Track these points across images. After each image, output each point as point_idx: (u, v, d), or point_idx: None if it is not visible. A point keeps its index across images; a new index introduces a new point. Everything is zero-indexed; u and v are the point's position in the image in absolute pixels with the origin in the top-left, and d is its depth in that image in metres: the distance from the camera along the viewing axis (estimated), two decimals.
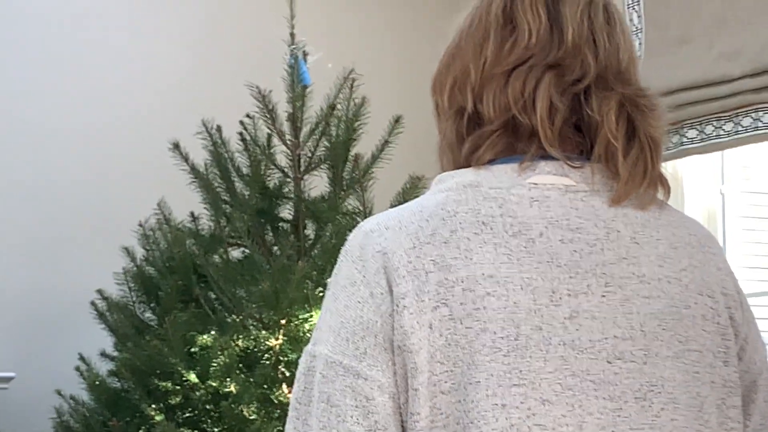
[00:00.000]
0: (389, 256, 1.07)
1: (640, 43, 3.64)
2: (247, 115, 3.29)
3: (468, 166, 1.13)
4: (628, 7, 3.70)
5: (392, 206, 3.26)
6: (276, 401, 2.99)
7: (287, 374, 3.06)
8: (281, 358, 3.03)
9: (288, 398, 3.00)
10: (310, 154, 3.33)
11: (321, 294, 3.11)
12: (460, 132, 1.16)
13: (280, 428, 2.89)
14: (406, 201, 3.27)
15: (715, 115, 3.37)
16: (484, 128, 1.13)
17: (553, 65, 1.11)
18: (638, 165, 1.10)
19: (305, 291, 3.07)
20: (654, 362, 1.06)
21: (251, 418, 2.93)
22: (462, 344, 1.04)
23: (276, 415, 2.97)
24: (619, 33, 1.17)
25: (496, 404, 1.02)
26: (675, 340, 1.08)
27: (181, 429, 2.99)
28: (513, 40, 1.14)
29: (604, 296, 1.08)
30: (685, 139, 3.44)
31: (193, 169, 3.29)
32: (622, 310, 1.08)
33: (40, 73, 3.93)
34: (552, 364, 1.04)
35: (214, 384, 2.99)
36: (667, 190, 1.16)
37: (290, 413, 1.11)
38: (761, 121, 3.22)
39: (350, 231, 3.18)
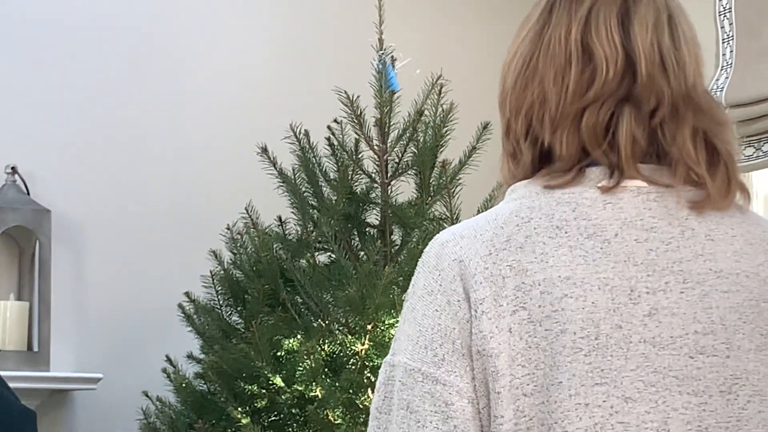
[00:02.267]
0: (465, 264, 1.09)
1: (731, 51, 3.60)
2: (335, 120, 3.29)
3: None
4: (720, 15, 3.66)
5: (479, 212, 3.22)
6: (361, 406, 2.99)
7: (373, 379, 2.99)
8: (367, 363, 3.04)
9: None
10: (397, 160, 3.31)
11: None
12: (534, 161, 1.17)
13: None
14: (493, 207, 3.25)
15: None
16: (556, 164, 1.14)
17: (628, 98, 1.12)
18: (723, 182, 1.13)
19: (391, 296, 3.09)
20: (737, 355, 1.07)
21: (336, 422, 2.97)
22: (542, 346, 1.05)
23: (361, 419, 2.99)
24: (684, 49, 1.17)
25: (579, 404, 1.03)
26: (757, 333, 1.09)
27: None
28: (591, 74, 1.14)
29: (682, 293, 1.09)
30: None
31: (281, 174, 3.29)
32: (701, 306, 1.09)
33: (131, 74, 3.97)
34: (633, 361, 1.05)
35: (299, 388, 3.02)
36: (747, 195, 1.18)
37: (371, 423, 1.13)
38: None
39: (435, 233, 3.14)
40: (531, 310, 1.06)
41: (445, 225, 3.23)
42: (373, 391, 3.00)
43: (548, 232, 1.09)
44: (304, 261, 3.25)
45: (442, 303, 1.09)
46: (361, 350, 3.03)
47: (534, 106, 1.15)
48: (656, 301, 1.09)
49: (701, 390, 1.07)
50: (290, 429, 3.11)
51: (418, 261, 2.93)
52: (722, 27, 3.63)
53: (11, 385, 2.92)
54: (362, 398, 3.01)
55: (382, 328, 3.05)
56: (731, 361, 1.08)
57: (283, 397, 3.04)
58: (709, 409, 1.06)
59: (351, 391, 3.02)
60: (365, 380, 3.04)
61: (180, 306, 3.33)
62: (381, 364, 2.97)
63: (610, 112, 1.12)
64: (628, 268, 1.09)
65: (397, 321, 2.87)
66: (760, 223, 1.19)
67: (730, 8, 3.58)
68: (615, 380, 1.06)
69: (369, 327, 3.04)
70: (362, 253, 3.27)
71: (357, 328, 3.07)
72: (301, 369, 3.03)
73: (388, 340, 3.05)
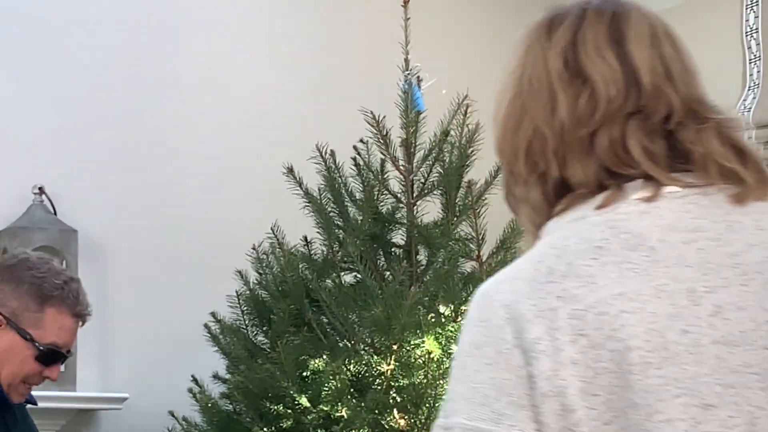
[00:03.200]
0: (512, 307, 1.06)
1: (758, 72, 3.67)
2: (361, 140, 3.29)
3: None
4: (746, 35, 3.76)
5: (505, 233, 3.25)
6: (387, 427, 3.02)
7: (398, 400, 3.07)
8: (392, 384, 3.05)
9: (399, 424, 3.06)
10: (423, 180, 3.32)
11: (433, 320, 3.13)
12: (548, 196, 1.14)
13: None
14: (519, 227, 3.15)
15: None
16: (578, 191, 1.11)
17: (634, 112, 1.09)
18: (756, 172, 1.10)
19: (417, 316, 3.08)
20: None
21: None
22: (611, 369, 1.01)
23: None
24: (687, 56, 1.16)
25: (660, 421, 0.99)
26: None
27: None
28: (590, 95, 1.11)
29: (744, 285, 1.05)
30: None
31: (307, 194, 3.31)
32: (766, 295, 1.05)
33: (158, 98, 4.06)
34: (707, 365, 1.00)
35: (325, 408, 3.03)
36: None
37: None
38: None
39: (462, 257, 3.05)
40: (590, 336, 1.02)
41: (470, 245, 3.27)
42: (399, 412, 3.05)
43: (590, 254, 1.06)
44: (329, 281, 3.27)
45: (490, 354, 1.05)
46: (387, 371, 3.02)
47: (532, 145, 1.13)
48: (718, 299, 1.04)
49: None
50: None
51: (443, 281, 2.87)
52: (749, 47, 3.74)
53: (39, 404, 2.95)
54: (388, 419, 3.03)
55: (408, 348, 3.04)
56: None
57: (308, 417, 3.05)
58: None
59: (376, 411, 3.04)
60: (391, 401, 3.08)
61: (206, 326, 3.35)
62: (407, 384, 2.94)
63: (621, 130, 1.10)
64: (682, 270, 1.05)
65: (423, 342, 3.05)
66: None
67: (757, 29, 3.74)
68: (692, 389, 1.01)
69: (394, 347, 3.03)
70: (388, 273, 3.27)
71: (382, 348, 3.08)
72: (327, 389, 3.04)
73: (414, 360, 3.08)
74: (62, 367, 3.35)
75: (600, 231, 1.06)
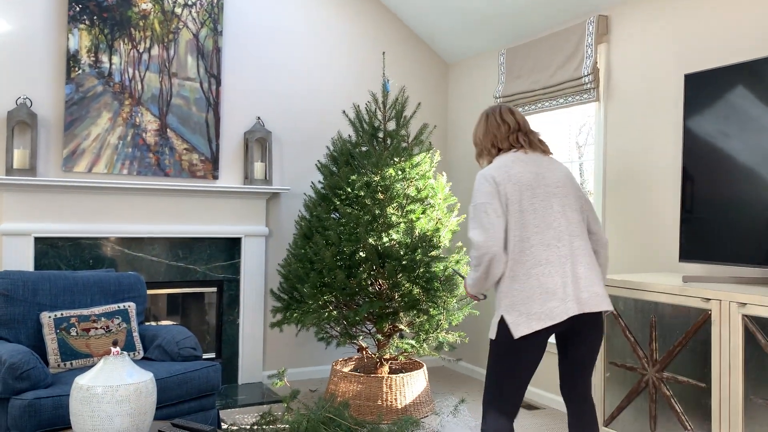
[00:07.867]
0: (493, 176, 2.93)
1: (504, 77, 5.88)
2: (368, 102, 5.42)
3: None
4: (500, 65, 5.91)
5: (417, 135, 5.50)
6: (376, 199, 4.56)
7: (379, 188, 4.92)
8: (377, 184, 4.88)
9: (380, 197, 4.90)
10: (389, 114, 5.30)
11: (392, 161, 4.94)
12: (494, 153, 3.10)
13: None
14: (422, 134, 5.53)
15: (531, 102, 5.68)
16: (507, 152, 3.04)
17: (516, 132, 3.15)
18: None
19: (387, 161, 4.89)
20: None
21: None
22: (516, 188, 2.96)
23: None
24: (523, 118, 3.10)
25: (526, 210, 2.83)
26: None
27: None
28: (507, 128, 3.08)
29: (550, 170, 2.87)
30: (522, 110, 5.74)
31: (350, 120, 5.40)
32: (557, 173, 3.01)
33: (308, 64, 5.98)
34: (539, 194, 2.64)
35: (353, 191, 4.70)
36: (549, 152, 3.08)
37: (473, 218, 2.72)
38: (545, 105, 5.58)
39: (402, 142, 5.80)
40: (512, 179, 2.91)
41: (405, 138, 5.17)
42: (380, 192, 5.09)
43: (510, 162, 3.01)
44: (357, 149, 5.13)
45: (488, 189, 2.89)
46: (378, 179, 4.89)
47: (494, 140, 3.14)
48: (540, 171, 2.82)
49: None
50: None
51: (395, 149, 5.84)
52: (501, 65, 5.95)
53: (259, 190, 5.59)
54: (375, 195, 4.67)
55: (383, 172, 4.91)
56: None
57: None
58: None
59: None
60: (378, 187, 4.83)
61: (318, 160, 5.61)
62: (383, 184, 5.53)
63: (515, 137, 3.13)
64: (528, 166, 2.95)
65: (389, 171, 4.96)
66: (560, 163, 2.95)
67: (504, 62, 5.80)
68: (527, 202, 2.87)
69: (379, 172, 4.96)
70: (377, 147, 5.11)
71: (375, 170, 4.80)
72: (359, 184, 4.67)
73: (387, 176, 4.87)
74: (267, 177, 5.66)
75: (513, 158, 3.09)
